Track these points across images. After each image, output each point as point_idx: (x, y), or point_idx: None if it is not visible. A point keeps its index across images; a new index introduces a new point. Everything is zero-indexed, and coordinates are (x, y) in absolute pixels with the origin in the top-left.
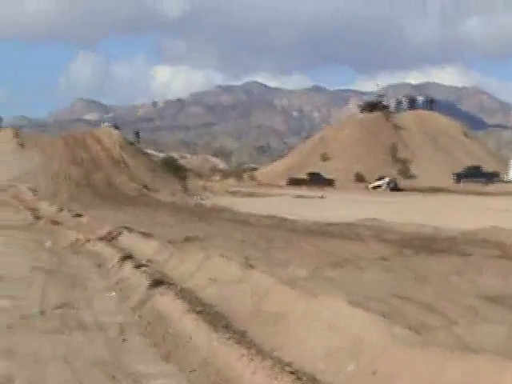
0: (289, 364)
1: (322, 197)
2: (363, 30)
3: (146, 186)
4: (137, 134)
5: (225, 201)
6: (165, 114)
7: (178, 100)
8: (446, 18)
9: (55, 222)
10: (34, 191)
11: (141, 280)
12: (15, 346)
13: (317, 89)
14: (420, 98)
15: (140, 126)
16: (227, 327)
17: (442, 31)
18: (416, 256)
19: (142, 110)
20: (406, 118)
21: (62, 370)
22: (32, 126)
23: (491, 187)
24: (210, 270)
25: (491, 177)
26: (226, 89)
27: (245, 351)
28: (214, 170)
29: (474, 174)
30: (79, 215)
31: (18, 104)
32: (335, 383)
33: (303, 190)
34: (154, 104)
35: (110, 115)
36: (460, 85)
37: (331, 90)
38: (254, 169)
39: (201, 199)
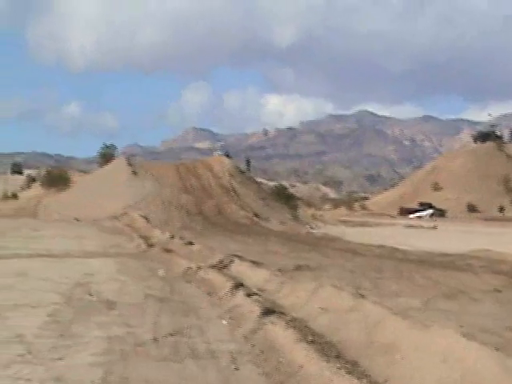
0: None
1: (433, 227)
2: (475, 58)
3: (256, 215)
4: (248, 162)
5: (335, 230)
6: (276, 142)
7: (289, 129)
8: None
9: (167, 250)
10: (147, 219)
11: (252, 308)
12: (130, 374)
13: (428, 118)
14: None
15: (251, 154)
16: (338, 357)
17: None
18: None
19: (253, 138)
20: None
21: None
22: (145, 154)
23: None
24: (321, 299)
25: None
26: (338, 118)
27: (356, 381)
28: (325, 199)
29: None
30: (191, 243)
31: (131, 133)
32: None
33: (414, 220)
34: (265, 132)
35: (221, 143)
36: None
37: (442, 119)
38: (365, 198)
39: (311, 228)
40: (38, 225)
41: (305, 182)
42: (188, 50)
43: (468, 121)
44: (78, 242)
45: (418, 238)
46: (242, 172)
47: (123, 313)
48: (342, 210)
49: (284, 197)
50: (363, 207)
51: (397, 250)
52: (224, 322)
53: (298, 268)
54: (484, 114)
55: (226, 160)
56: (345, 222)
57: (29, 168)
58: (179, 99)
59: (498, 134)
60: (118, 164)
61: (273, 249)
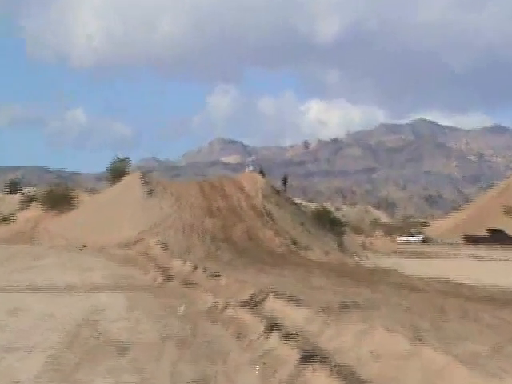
0: None
1: (504, 259)
2: None
3: (294, 243)
4: (285, 180)
5: (388, 261)
6: (318, 156)
7: (334, 140)
8: None
9: (189, 284)
10: (164, 247)
11: (289, 353)
12: None
13: (499, 129)
14: None
15: (288, 170)
16: None
17: None
18: None
19: (291, 152)
20: None
21: None
22: (163, 169)
23: None
24: (371, 343)
25: None
26: (391, 128)
27: None
28: (376, 224)
29: None
30: (216, 275)
31: (147, 144)
32: None
33: (482, 250)
34: (305, 145)
35: (253, 158)
36: None
37: None
38: (423, 223)
39: (359, 259)
40: (36, 252)
41: (352, 204)
42: (215, 47)
43: None
44: (83, 274)
45: (486, 272)
46: (277, 192)
47: (136, 357)
48: (396, 238)
49: (327, 221)
50: (421, 234)
51: (462, 285)
52: (256, 368)
53: (345, 306)
54: None
55: (259, 177)
56: (399, 252)
57: (27, 185)
58: (204, 105)
59: None
60: (132, 181)
61: (314, 283)
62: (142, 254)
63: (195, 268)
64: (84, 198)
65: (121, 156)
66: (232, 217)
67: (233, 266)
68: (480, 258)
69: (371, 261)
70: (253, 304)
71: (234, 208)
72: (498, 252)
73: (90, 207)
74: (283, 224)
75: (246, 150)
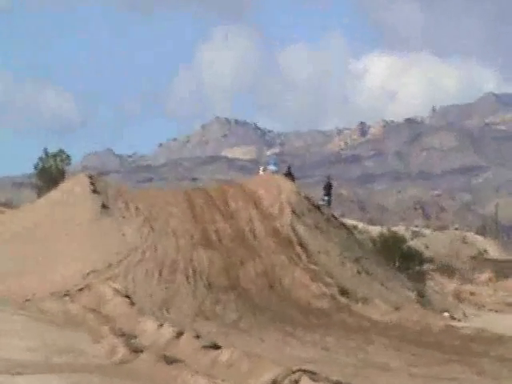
0: None
1: None
2: None
3: (343, 292)
4: (328, 187)
5: (501, 322)
6: (382, 148)
7: (409, 122)
8: None
9: (169, 360)
10: (129, 298)
11: None
12: None
13: None
14: None
15: (334, 171)
16: None
17: None
18: None
19: (338, 141)
20: None
21: None
22: (126, 169)
23: None
24: None
25: None
26: (506, 100)
27: None
28: (481, 260)
29: None
30: (215, 346)
31: (100, 129)
32: None
33: None
34: (362, 130)
35: (276, 150)
36: None
37: None
38: None
39: (453, 318)
40: None
41: (440, 228)
42: None
43: None
44: None
45: None
46: (316, 207)
47: None
48: None
49: (399, 256)
50: None
51: None
52: None
53: None
54: None
55: (286, 183)
56: None
57: None
58: (193, 60)
59: None
60: (73, 190)
61: (376, 359)
62: (92, 309)
63: (179, 334)
64: None
65: (54, 148)
66: (240, 249)
67: (241, 331)
68: None
69: (472, 322)
70: None
71: (244, 234)
72: None
73: (4, 232)
74: (325, 261)
75: (263, 137)
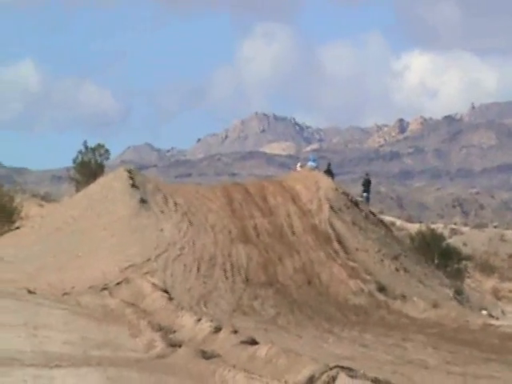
0: None
1: None
2: None
3: (381, 289)
4: (367, 184)
5: None
6: (421, 145)
7: (449, 119)
8: None
9: (206, 355)
10: (167, 292)
11: None
12: None
13: None
14: None
15: (373, 168)
16: None
17: None
18: None
19: (377, 137)
20: None
21: None
22: (165, 163)
23: None
24: None
25: None
26: None
27: None
28: None
29: None
30: (253, 342)
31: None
32: None
33: None
34: (401, 126)
35: (315, 146)
36: None
37: None
38: None
39: (491, 316)
40: None
41: (479, 226)
42: None
43: None
44: (31, 337)
45: None
46: (355, 204)
47: None
48: None
49: (437, 254)
50: None
51: None
52: None
53: None
54: None
55: (325, 179)
56: None
57: None
58: (233, 58)
59: None
60: (112, 185)
61: (414, 356)
62: (130, 304)
63: (217, 329)
64: (33, 210)
65: (93, 142)
66: (278, 245)
67: (279, 327)
68: None
69: (510, 320)
70: None
71: (282, 230)
72: None
73: (44, 226)
74: (364, 258)
75: (301, 133)
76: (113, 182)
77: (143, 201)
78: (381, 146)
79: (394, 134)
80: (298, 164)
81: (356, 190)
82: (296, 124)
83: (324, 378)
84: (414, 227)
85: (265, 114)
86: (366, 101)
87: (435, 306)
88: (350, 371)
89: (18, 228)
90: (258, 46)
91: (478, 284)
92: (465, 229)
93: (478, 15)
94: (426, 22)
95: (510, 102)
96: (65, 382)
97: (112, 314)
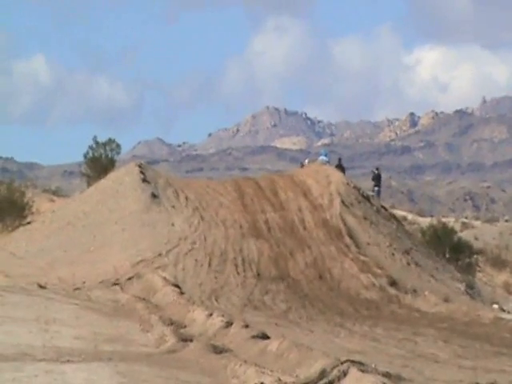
0: None
1: None
2: None
3: (392, 283)
4: (377, 178)
5: None
6: (432, 139)
7: (460, 113)
8: None
9: (218, 350)
10: (178, 287)
11: None
12: None
13: None
14: None
15: (384, 162)
16: None
17: None
18: None
19: (388, 132)
20: None
21: None
22: (177, 158)
23: None
24: None
25: None
26: None
27: None
28: None
29: None
30: (264, 336)
31: (152, 117)
32: None
33: None
34: (413, 121)
35: (326, 141)
36: None
37: None
38: None
39: (502, 310)
40: None
41: (490, 220)
42: None
43: None
44: (43, 331)
45: None
46: (366, 198)
47: None
48: None
49: (449, 248)
50: None
51: None
52: None
53: None
54: None
55: (336, 174)
56: None
57: None
58: (244, 52)
59: None
60: (124, 178)
61: (425, 350)
62: (141, 298)
63: (228, 324)
64: (44, 205)
65: (104, 137)
66: (290, 239)
67: (290, 321)
68: None
69: None
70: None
71: (294, 225)
72: None
73: (55, 221)
74: (375, 252)
75: (313, 127)
76: (124, 177)
77: (154, 196)
78: (392, 140)
79: (405, 128)
80: (307, 160)
81: (367, 185)
82: (307, 118)
83: (335, 372)
84: (425, 221)
85: (276, 109)
86: (377, 95)
87: (446, 300)
88: (361, 365)
89: (29, 223)
90: (269, 40)
91: (490, 278)
92: (476, 223)
93: (490, 9)
94: (438, 16)
95: None
96: (76, 377)
97: (123, 308)
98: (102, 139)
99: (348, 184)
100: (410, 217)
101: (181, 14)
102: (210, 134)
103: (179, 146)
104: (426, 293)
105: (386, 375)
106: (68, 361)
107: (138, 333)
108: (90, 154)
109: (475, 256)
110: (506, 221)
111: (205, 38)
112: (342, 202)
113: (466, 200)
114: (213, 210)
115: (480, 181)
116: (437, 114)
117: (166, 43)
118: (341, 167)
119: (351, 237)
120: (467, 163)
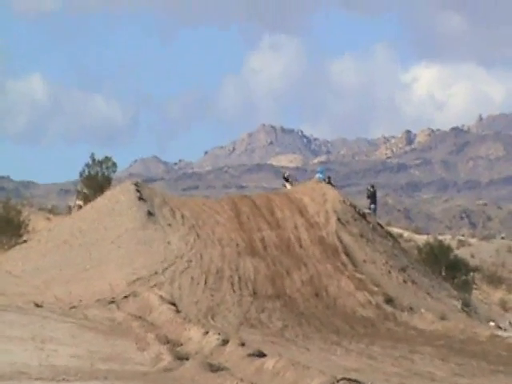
0: None
1: None
2: None
3: (389, 300)
4: (372, 195)
5: None
6: (428, 157)
7: (456, 131)
8: None
9: (214, 368)
10: (175, 305)
11: None
12: None
13: None
14: None
15: (378, 180)
16: None
17: None
18: None
19: (384, 149)
20: None
21: None
22: (172, 176)
23: None
24: None
25: None
26: None
27: None
28: None
29: None
30: (260, 354)
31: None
32: None
33: None
34: (409, 138)
35: (322, 158)
36: None
37: None
38: None
39: (499, 328)
40: None
41: (486, 238)
42: None
43: None
44: (39, 350)
45: None
46: (362, 216)
47: None
48: None
49: (445, 266)
50: None
51: None
52: None
53: None
54: None
55: (332, 192)
56: None
57: None
58: (241, 69)
59: None
60: (120, 197)
61: (421, 368)
62: (137, 317)
63: (225, 342)
64: (41, 223)
65: (100, 155)
66: (286, 257)
67: (287, 339)
68: None
69: None
70: None
71: (290, 243)
72: None
73: (52, 240)
74: (371, 270)
75: (309, 145)
76: (120, 195)
77: (150, 214)
78: (388, 157)
79: (401, 146)
80: (287, 173)
81: (363, 202)
82: (303, 136)
83: None
84: (421, 239)
85: (272, 126)
86: (373, 113)
87: (443, 317)
88: (357, 383)
89: (25, 241)
90: (265, 58)
91: (486, 296)
92: (472, 240)
93: (485, 27)
94: (434, 34)
95: None
96: None
97: (119, 327)
98: (98, 157)
99: (344, 202)
100: (406, 234)
101: (177, 32)
102: (206, 152)
103: (175, 164)
104: (423, 310)
105: None
106: (64, 379)
107: (134, 351)
108: (86, 172)
109: (471, 273)
110: (503, 238)
111: (201, 56)
112: (338, 219)
113: (462, 217)
114: (209, 228)
115: (476, 198)
116: (433, 131)
117: (162, 61)
118: (330, 184)
119: (347, 254)
120: (463, 181)
